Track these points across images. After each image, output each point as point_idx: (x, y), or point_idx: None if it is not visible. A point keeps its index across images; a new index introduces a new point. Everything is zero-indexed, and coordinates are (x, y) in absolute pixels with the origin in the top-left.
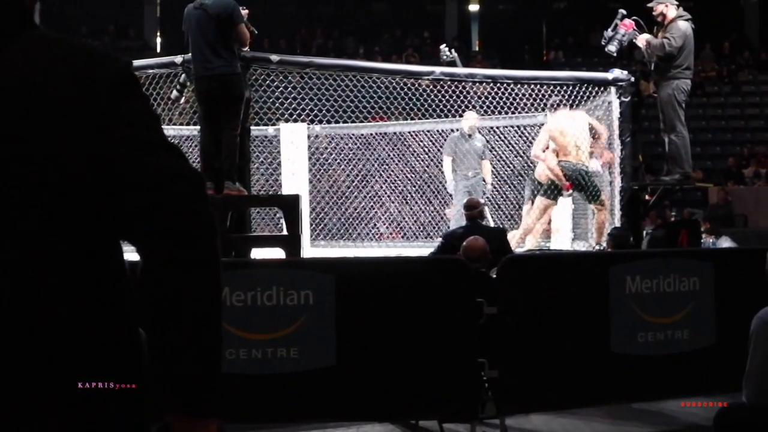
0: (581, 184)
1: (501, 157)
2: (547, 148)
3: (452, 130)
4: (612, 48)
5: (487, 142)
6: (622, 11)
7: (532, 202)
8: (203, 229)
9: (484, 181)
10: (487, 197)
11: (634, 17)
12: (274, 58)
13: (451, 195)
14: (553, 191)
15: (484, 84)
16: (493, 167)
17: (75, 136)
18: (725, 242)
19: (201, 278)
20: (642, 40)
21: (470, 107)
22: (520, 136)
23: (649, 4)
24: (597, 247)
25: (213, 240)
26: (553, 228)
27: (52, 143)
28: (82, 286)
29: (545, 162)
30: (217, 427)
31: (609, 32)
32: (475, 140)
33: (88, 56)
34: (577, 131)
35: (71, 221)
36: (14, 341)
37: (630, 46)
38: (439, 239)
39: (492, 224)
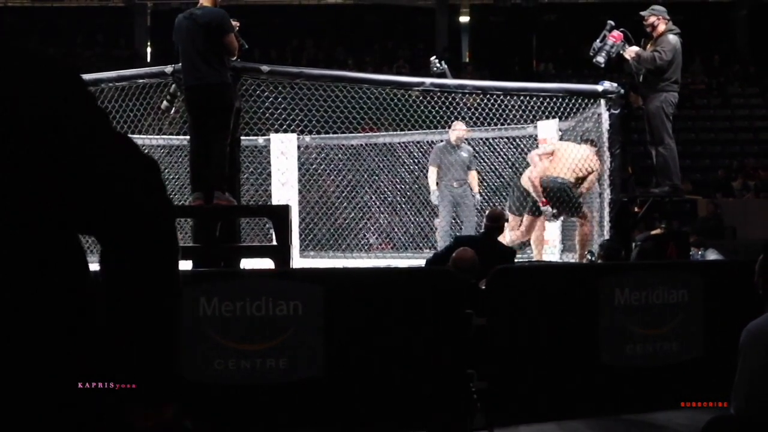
0: (562, 199)
1: (491, 168)
2: (548, 156)
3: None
4: (600, 59)
5: (476, 152)
6: (611, 22)
7: (516, 215)
8: (159, 214)
9: (472, 191)
10: (477, 208)
11: (622, 29)
12: (265, 68)
13: (435, 205)
14: (538, 207)
15: (473, 95)
16: (483, 178)
17: (26, 136)
18: (712, 254)
19: (157, 263)
20: (631, 52)
21: (460, 118)
22: (510, 147)
23: (642, 13)
24: (588, 256)
25: (169, 225)
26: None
27: (3, 144)
28: (47, 284)
29: (533, 168)
30: (173, 412)
31: (597, 43)
32: (462, 151)
33: (32, 60)
34: (577, 158)
35: (31, 219)
36: None
37: (619, 58)
38: (428, 249)
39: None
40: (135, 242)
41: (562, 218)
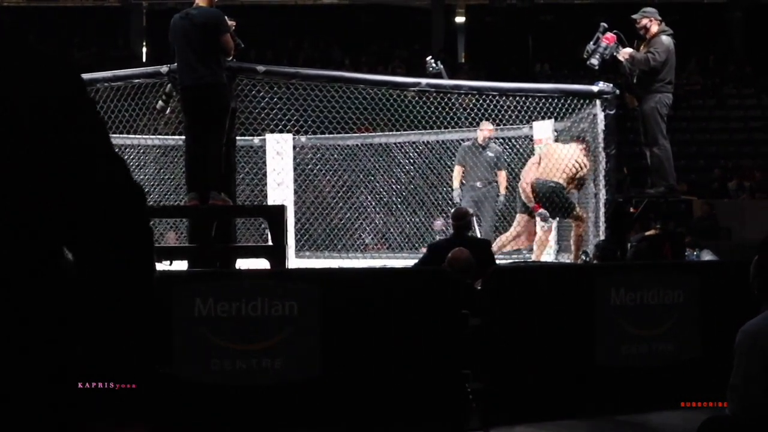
0: (553, 201)
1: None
2: (538, 162)
3: (461, 141)
4: (594, 61)
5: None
6: (604, 24)
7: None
8: (139, 243)
9: (499, 191)
10: (498, 210)
11: (615, 31)
12: (261, 68)
13: (456, 203)
14: (528, 207)
15: (469, 96)
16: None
17: (23, 140)
18: (707, 255)
19: (132, 292)
20: (624, 53)
21: (455, 119)
22: (505, 148)
23: (634, 16)
24: (582, 257)
25: (148, 254)
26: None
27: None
28: (38, 287)
29: (526, 174)
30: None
31: (591, 46)
32: (489, 151)
33: (37, 59)
34: (565, 157)
35: (21, 225)
36: None
37: (613, 59)
38: (424, 249)
39: (479, 235)
40: (105, 270)
41: (556, 219)
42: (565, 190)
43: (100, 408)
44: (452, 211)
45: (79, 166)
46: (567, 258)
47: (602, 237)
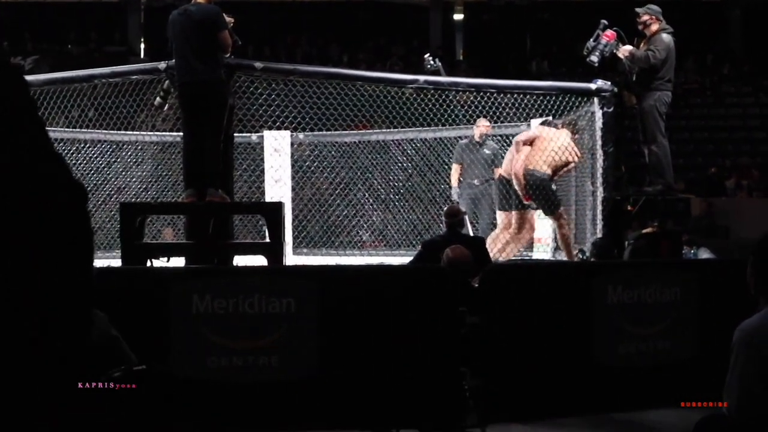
0: (541, 195)
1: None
2: (530, 143)
3: (459, 138)
4: (594, 58)
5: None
6: (604, 21)
7: (505, 211)
8: (80, 236)
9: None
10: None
11: (615, 28)
12: (258, 65)
13: (456, 202)
14: (522, 202)
15: (467, 93)
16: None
17: None
18: (704, 253)
19: (75, 283)
20: (624, 51)
21: (453, 116)
22: (504, 145)
23: (638, 9)
24: (579, 255)
25: (88, 245)
26: (534, 237)
27: None
28: None
29: (517, 158)
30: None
31: (591, 43)
32: (485, 148)
33: None
34: (557, 147)
35: None
36: None
37: (613, 57)
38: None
39: (471, 233)
40: (48, 262)
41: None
42: (552, 182)
43: (100, 408)
44: (445, 208)
45: (15, 167)
46: (564, 256)
47: (599, 235)
